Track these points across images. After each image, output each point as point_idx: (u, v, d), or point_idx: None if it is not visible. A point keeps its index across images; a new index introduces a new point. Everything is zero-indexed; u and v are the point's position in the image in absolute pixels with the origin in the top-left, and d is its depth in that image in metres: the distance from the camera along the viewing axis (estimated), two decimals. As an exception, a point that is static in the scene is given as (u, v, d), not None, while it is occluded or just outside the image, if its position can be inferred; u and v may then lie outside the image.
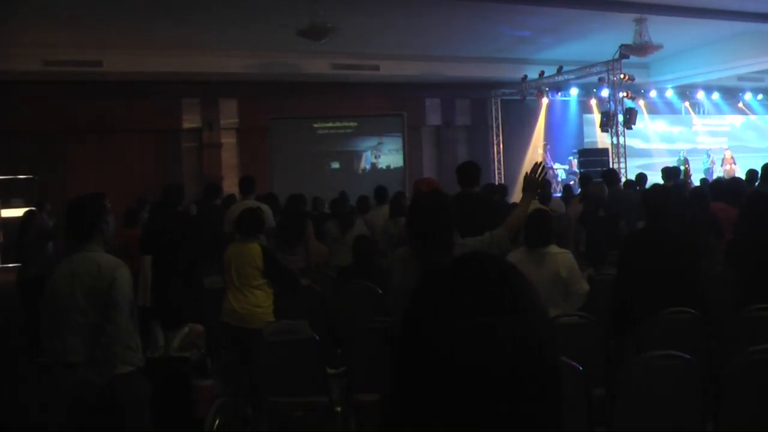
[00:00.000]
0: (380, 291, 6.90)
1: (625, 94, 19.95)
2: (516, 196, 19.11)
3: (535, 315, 1.13)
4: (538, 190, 5.14)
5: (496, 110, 24.06)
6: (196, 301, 7.08)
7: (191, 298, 6.66)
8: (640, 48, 18.07)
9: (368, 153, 21.22)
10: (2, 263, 19.62)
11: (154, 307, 6.85)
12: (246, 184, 10.20)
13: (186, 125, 22.05)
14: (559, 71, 21.05)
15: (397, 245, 8.36)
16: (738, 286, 5.88)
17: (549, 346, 1.13)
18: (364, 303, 6.88)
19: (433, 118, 24.58)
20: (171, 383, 4.59)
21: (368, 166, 21.19)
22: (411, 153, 21.95)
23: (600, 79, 20.31)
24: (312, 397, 5.04)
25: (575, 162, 23.44)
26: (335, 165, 21.13)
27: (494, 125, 24.05)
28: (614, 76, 19.40)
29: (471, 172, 6.86)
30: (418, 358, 1.12)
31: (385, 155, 21.16)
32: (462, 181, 6.81)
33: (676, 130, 26.44)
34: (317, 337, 5.22)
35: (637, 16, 17.36)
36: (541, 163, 5.05)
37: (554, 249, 5.87)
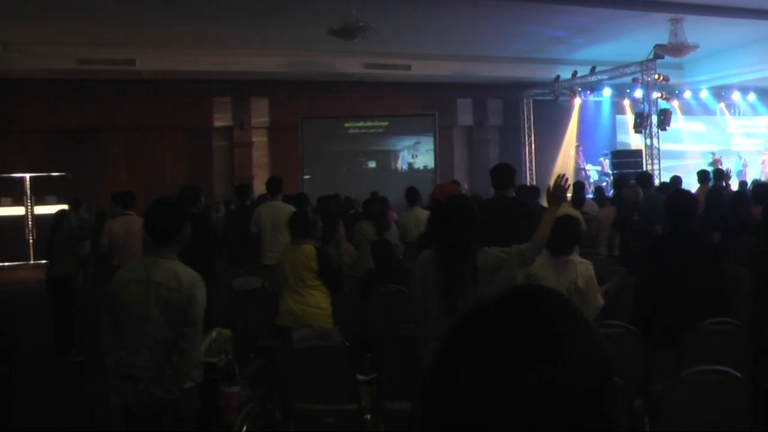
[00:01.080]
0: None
1: (659, 94, 19.70)
2: (548, 197, 18.94)
3: (588, 361, 1.02)
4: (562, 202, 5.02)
5: (528, 110, 23.89)
6: (218, 304, 7.01)
7: (212, 302, 6.56)
8: (676, 48, 17.81)
9: (405, 153, 21.15)
10: (35, 260, 19.81)
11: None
12: (273, 185, 10.07)
13: (217, 124, 22.13)
14: (593, 71, 20.85)
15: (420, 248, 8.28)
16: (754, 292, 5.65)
17: (602, 395, 1.02)
18: (394, 307, 6.78)
19: (465, 119, 24.48)
20: (198, 389, 4.50)
21: (405, 166, 21.12)
22: (442, 153, 21.84)
23: (634, 80, 20.06)
24: (341, 405, 4.95)
25: (607, 163, 23.17)
26: (372, 164, 21.11)
27: (526, 125, 23.88)
28: (648, 77, 19.16)
29: (506, 174, 6.72)
30: (453, 397, 1.03)
31: (423, 155, 21.08)
32: (496, 183, 6.67)
33: (710, 131, 26.05)
34: (347, 344, 5.13)
35: (673, 15, 17.12)
36: (563, 175, 4.95)
37: (576, 258, 5.73)
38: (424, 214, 10.34)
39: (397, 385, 5.01)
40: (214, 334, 4.92)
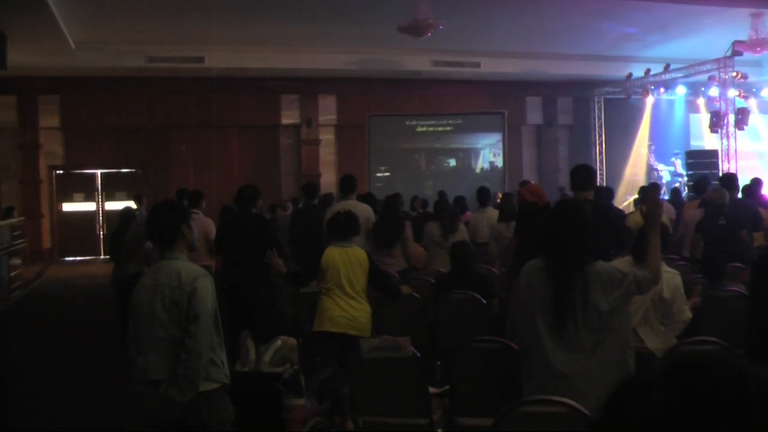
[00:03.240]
0: (484, 301, 6.56)
1: (736, 92, 19.04)
2: (619, 198, 18.50)
3: None
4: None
5: (599, 109, 23.39)
6: (279, 308, 6.84)
7: (270, 305, 6.40)
8: (756, 44, 17.16)
9: (486, 151, 20.85)
10: (105, 255, 20.06)
11: (240, 316, 6.61)
12: (347, 183, 9.80)
13: (285, 121, 22.17)
14: (667, 69, 20.26)
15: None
16: None
17: None
18: (467, 314, 6.52)
19: (534, 117, 24.12)
20: (261, 401, 4.33)
21: (487, 165, 20.80)
22: (511, 152, 21.50)
23: (710, 78, 19.42)
24: (411, 419, 4.72)
25: (679, 163, 22.49)
26: (452, 162, 20.94)
27: (597, 124, 23.38)
28: (725, 74, 18.51)
29: (586, 176, 6.46)
30: None
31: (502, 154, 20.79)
32: (576, 185, 6.40)
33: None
34: (419, 355, 4.86)
35: (754, 10, 16.51)
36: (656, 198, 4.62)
37: (662, 267, 5.38)
38: (495, 214, 10.09)
39: (473, 400, 4.76)
40: (279, 342, 4.74)
